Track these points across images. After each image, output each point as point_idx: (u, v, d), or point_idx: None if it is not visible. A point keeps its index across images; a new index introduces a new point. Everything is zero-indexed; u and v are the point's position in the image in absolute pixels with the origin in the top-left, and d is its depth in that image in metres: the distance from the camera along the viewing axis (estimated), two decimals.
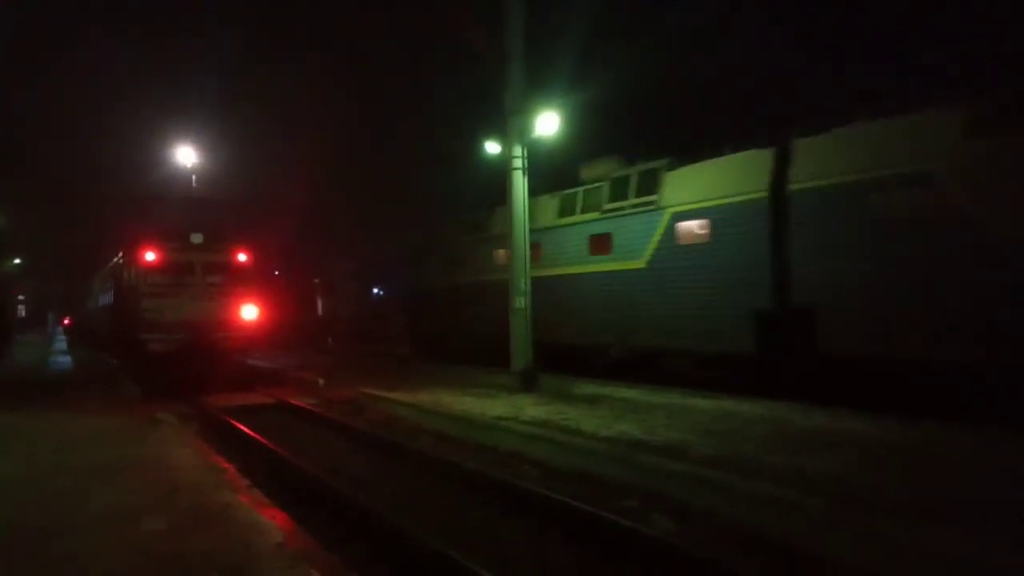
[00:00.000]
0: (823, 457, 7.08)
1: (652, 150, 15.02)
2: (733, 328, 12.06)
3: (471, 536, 6.17)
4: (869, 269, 10.23)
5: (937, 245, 9.46)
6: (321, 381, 16.74)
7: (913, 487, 5.99)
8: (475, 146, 15.23)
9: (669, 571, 5.24)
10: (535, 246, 15.39)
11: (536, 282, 13.96)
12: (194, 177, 27.71)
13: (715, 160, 13.14)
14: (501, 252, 18.36)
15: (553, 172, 16.69)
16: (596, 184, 15.47)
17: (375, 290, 43.35)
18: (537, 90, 13.56)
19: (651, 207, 13.84)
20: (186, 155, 27.43)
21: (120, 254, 20.61)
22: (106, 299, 25.49)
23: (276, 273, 43.41)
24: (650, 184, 14.03)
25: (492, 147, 14.60)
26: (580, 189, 16.00)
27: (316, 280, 46.29)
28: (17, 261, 45.91)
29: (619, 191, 14.73)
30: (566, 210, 16.17)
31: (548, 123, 13.16)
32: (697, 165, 13.46)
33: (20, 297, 66.18)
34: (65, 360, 25.97)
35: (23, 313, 68.94)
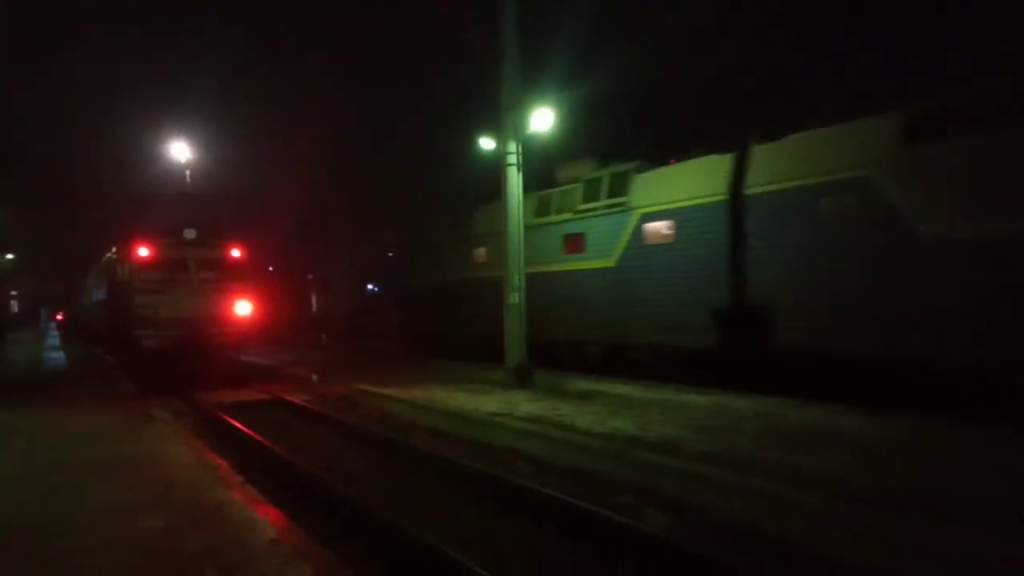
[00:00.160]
0: (817, 453, 7.11)
1: (642, 149, 15.29)
2: (695, 324, 12.62)
3: (465, 532, 6.18)
4: (815, 270, 10.80)
5: (875, 247, 10.01)
6: (315, 377, 16.74)
7: (907, 482, 6.02)
8: (472, 144, 15.23)
9: (664, 567, 5.27)
10: (503, 246, 15.68)
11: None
12: (188, 173, 27.60)
13: (680, 164, 13.74)
14: (482, 251, 18.96)
15: (547, 170, 16.76)
16: (571, 185, 15.92)
17: (369, 286, 43.31)
18: (533, 86, 13.61)
19: (621, 208, 14.35)
20: (180, 151, 27.30)
21: (114, 250, 20.55)
22: (100, 295, 25.43)
23: (271, 269, 43.34)
24: (621, 186, 14.54)
25: (487, 143, 14.59)
26: (556, 190, 16.39)
27: (310, 276, 46.26)
28: (10, 256, 45.71)
29: (592, 192, 15.25)
30: (543, 210, 16.46)
31: (543, 119, 13.17)
32: (664, 168, 14.07)
33: (13, 293, 65.95)
34: (59, 356, 25.91)
35: (16, 309, 68.73)
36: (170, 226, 17.62)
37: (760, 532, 5.69)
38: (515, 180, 13.20)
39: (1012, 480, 6.15)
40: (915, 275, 9.54)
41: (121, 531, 5.41)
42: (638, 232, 13.93)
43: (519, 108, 13.02)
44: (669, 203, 13.31)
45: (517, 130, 13.08)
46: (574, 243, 15.56)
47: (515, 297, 13.21)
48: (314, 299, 45.98)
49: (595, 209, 15.01)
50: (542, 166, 16.51)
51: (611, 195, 14.68)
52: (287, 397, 14.28)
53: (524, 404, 10.91)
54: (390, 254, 26.67)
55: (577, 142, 18.02)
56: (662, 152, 14.33)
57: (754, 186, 11.77)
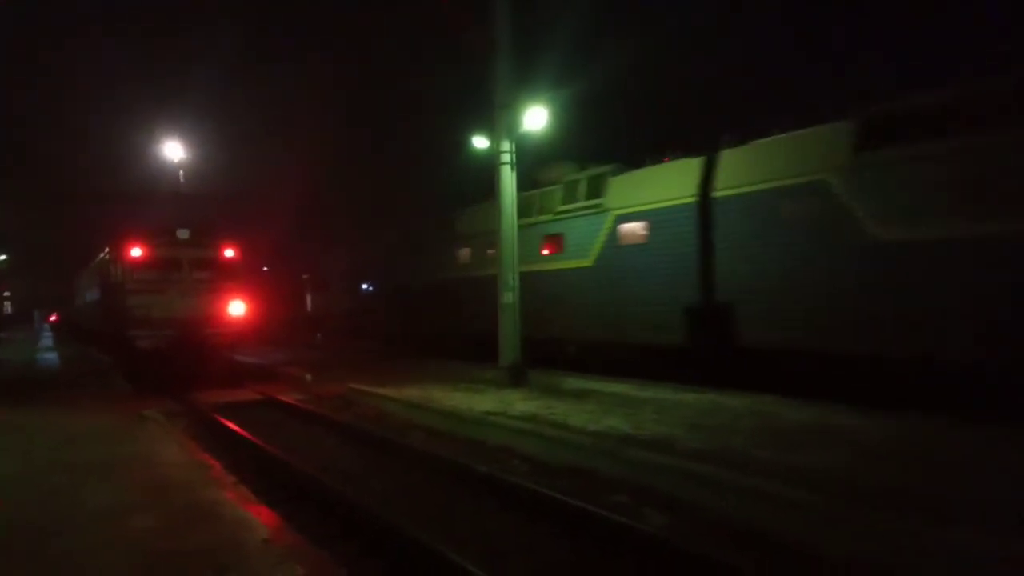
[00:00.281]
0: (813, 452, 7.12)
1: (635, 149, 15.44)
2: (667, 322, 13.01)
3: (462, 531, 6.17)
4: (777, 270, 11.20)
5: (831, 248, 10.45)
6: (309, 377, 16.70)
7: (901, 479, 6.03)
8: (466, 143, 15.19)
9: (660, 565, 5.26)
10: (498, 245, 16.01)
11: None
12: (182, 173, 27.51)
13: (653, 167, 14.13)
14: (467, 251, 19.35)
15: (532, 172, 16.81)
16: (551, 187, 16.24)
17: (364, 286, 43.21)
18: (526, 85, 13.62)
19: (597, 210, 14.73)
20: (174, 150, 27.20)
21: (107, 250, 20.47)
22: (94, 295, 25.33)
23: (265, 269, 43.19)
24: (597, 188, 14.92)
25: (480, 142, 14.57)
26: (538, 191, 16.66)
27: (305, 276, 46.12)
28: (3, 257, 45.52)
29: (570, 194, 15.67)
30: (525, 211, 16.55)
31: (536, 118, 13.14)
32: (638, 171, 14.43)
33: (6, 294, 65.73)
34: (52, 356, 25.81)
35: (9, 310, 68.49)
36: (163, 226, 17.57)
37: (756, 530, 5.69)
38: (509, 179, 13.20)
39: (989, 476, 6.17)
40: (866, 276, 9.99)
41: (119, 531, 5.40)
42: (614, 233, 14.30)
43: (512, 107, 13.02)
44: (643, 205, 13.70)
45: (511, 129, 13.08)
46: (554, 243, 15.93)
47: (509, 296, 13.21)
48: (309, 298, 45.84)
49: (573, 210, 15.39)
50: (537, 164, 16.54)
51: (588, 197, 15.08)
52: (281, 397, 14.23)
53: (519, 403, 10.90)
54: (379, 253, 26.74)
55: (571, 140, 18.04)
56: (659, 152, 14.37)
57: (722, 189, 12.16)
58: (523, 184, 16.13)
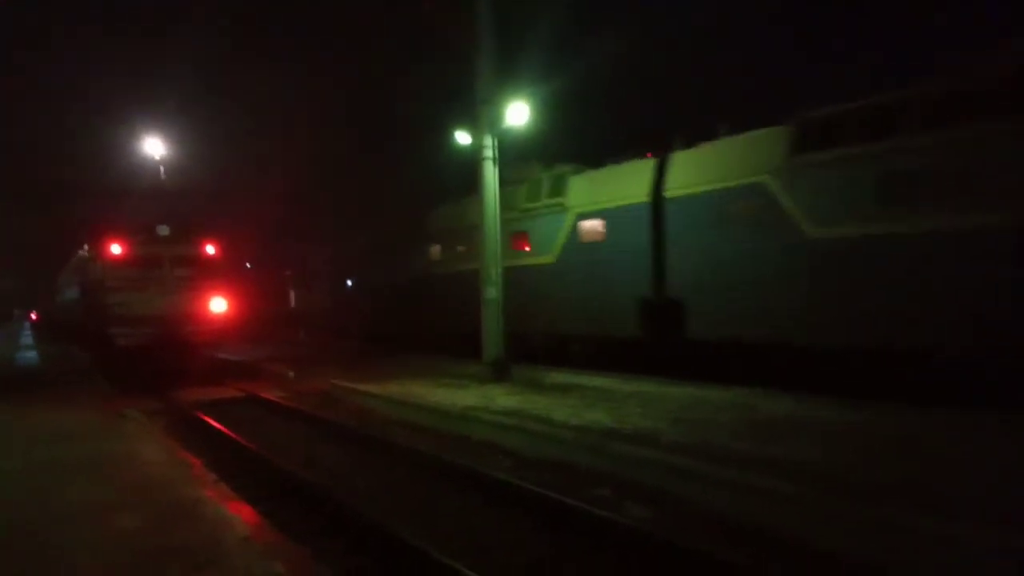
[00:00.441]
0: (789, 443, 7.18)
1: (612, 146, 15.48)
2: (623, 316, 13.54)
3: (446, 527, 6.17)
4: (721, 267, 11.75)
5: (768, 245, 11.00)
6: (292, 374, 16.63)
7: (875, 469, 6.10)
8: (450, 139, 15.15)
9: (642, 558, 5.29)
10: (471, 242, 16.60)
11: (473, 276, 14.49)
12: (163, 169, 27.23)
13: (610, 167, 14.67)
14: (438, 248, 19.62)
15: (515, 166, 16.79)
16: (518, 186, 16.50)
17: (348, 283, 43.07)
18: (509, 81, 13.59)
19: (559, 208, 15.17)
20: (155, 147, 26.91)
21: (86, 247, 20.27)
22: (74, 293, 25.07)
23: (248, 266, 42.90)
24: (559, 187, 15.36)
25: (463, 137, 14.53)
26: (507, 189, 16.55)
27: (288, 273, 45.86)
28: None
29: (535, 193, 16.05)
30: None
31: (518, 113, 13.12)
32: (596, 171, 14.98)
33: None
34: (32, 355, 25.53)
35: None
36: (143, 223, 17.41)
37: (740, 523, 5.74)
38: (491, 174, 13.18)
39: (949, 463, 6.25)
40: (801, 271, 10.54)
41: (96, 530, 5.38)
42: (575, 231, 14.75)
43: (495, 102, 12.99)
44: (600, 204, 14.18)
45: (493, 124, 13.05)
46: (521, 240, 16.26)
47: (492, 291, 13.20)
48: (292, 295, 45.60)
49: (537, 209, 15.79)
50: (518, 161, 16.54)
51: (551, 196, 15.48)
52: (263, 394, 14.16)
53: (501, 398, 10.91)
54: (362, 250, 26.71)
55: (553, 136, 18.07)
56: (628, 152, 14.50)
57: (672, 189, 12.66)
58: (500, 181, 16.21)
